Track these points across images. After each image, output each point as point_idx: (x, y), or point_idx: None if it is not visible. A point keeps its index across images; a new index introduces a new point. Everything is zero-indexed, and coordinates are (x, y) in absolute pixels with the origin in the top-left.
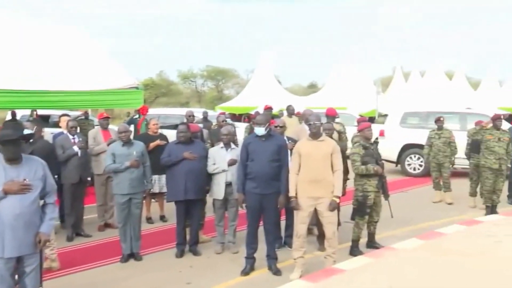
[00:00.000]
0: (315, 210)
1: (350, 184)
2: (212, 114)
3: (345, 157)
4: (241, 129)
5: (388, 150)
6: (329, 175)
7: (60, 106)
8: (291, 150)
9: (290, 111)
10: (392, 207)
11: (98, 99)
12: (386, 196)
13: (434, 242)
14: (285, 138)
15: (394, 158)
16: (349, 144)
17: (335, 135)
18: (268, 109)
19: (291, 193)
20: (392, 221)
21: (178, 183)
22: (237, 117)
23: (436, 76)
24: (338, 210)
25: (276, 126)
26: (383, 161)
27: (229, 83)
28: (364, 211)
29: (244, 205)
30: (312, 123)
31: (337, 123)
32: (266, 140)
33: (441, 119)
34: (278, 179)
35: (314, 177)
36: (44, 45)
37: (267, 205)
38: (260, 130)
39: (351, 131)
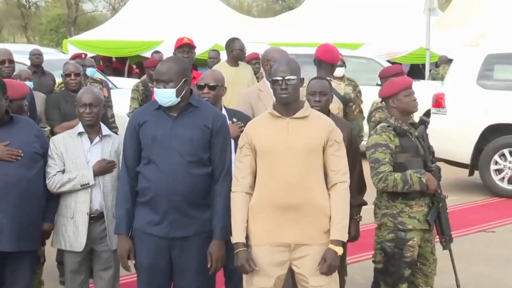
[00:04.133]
0: (291, 273)
1: (368, 213)
2: (57, 58)
3: (357, 154)
4: (123, 92)
5: (453, 139)
6: (318, 195)
7: None
8: (236, 139)
9: (236, 53)
10: (458, 264)
11: None
12: (447, 242)
13: None
14: (224, 111)
15: (467, 159)
16: (367, 127)
17: (336, 105)
18: (185, 46)
19: (236, 237)
20: None
21: None
22: (114, 66)
23: None
24: (342, 274)
25: (202, 86)
26: (438, 164)
27: None
28: (399, 273)
29: (133, 262)
30: (280, 78)
31: (339, 79)
32: (181, 118)
33: None
34: (207, 204)
35: (286, 200)
36: None
37: (182, 264)
38: (165, 95)
39: (371, 96)
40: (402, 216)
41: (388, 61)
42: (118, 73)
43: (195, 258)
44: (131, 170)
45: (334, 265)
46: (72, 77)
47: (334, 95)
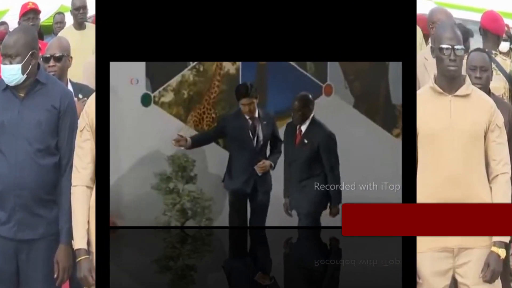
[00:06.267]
0: (454, 281)
1: None
2: None
3: None
4: None
5: None
6: (481, 188)
7: None
8: None
9: (72, 14)
10: None
11: None
12: None
13: None
14: (70, 86)
15: None
16: None
17: (501, 84)
18: (30, 12)
19: (78, 243)
20: None
21: None
22: None
23: None
24: (507, 280)
25: (48, 58)
26: None
27: None
28: None
29: None
30: (449, 46)
31: (505, 54)
32: (28, 98)
33: None
34: (54, 200)
35: (449, 195)
36: None
37: (28, 271)
38: (11, 72)
39: None
40: None
41: None
42: None
43: (42, 265)
44: None
45: (497, 270)
46: None
47: (500, 72)
